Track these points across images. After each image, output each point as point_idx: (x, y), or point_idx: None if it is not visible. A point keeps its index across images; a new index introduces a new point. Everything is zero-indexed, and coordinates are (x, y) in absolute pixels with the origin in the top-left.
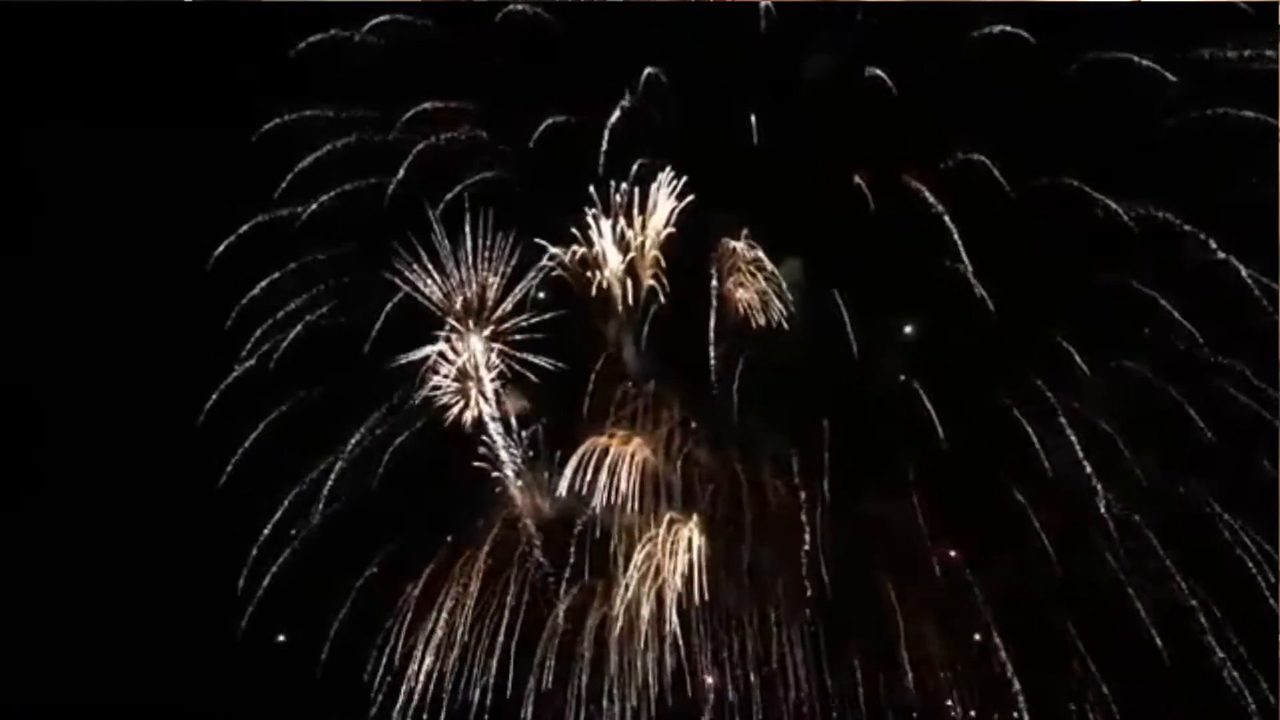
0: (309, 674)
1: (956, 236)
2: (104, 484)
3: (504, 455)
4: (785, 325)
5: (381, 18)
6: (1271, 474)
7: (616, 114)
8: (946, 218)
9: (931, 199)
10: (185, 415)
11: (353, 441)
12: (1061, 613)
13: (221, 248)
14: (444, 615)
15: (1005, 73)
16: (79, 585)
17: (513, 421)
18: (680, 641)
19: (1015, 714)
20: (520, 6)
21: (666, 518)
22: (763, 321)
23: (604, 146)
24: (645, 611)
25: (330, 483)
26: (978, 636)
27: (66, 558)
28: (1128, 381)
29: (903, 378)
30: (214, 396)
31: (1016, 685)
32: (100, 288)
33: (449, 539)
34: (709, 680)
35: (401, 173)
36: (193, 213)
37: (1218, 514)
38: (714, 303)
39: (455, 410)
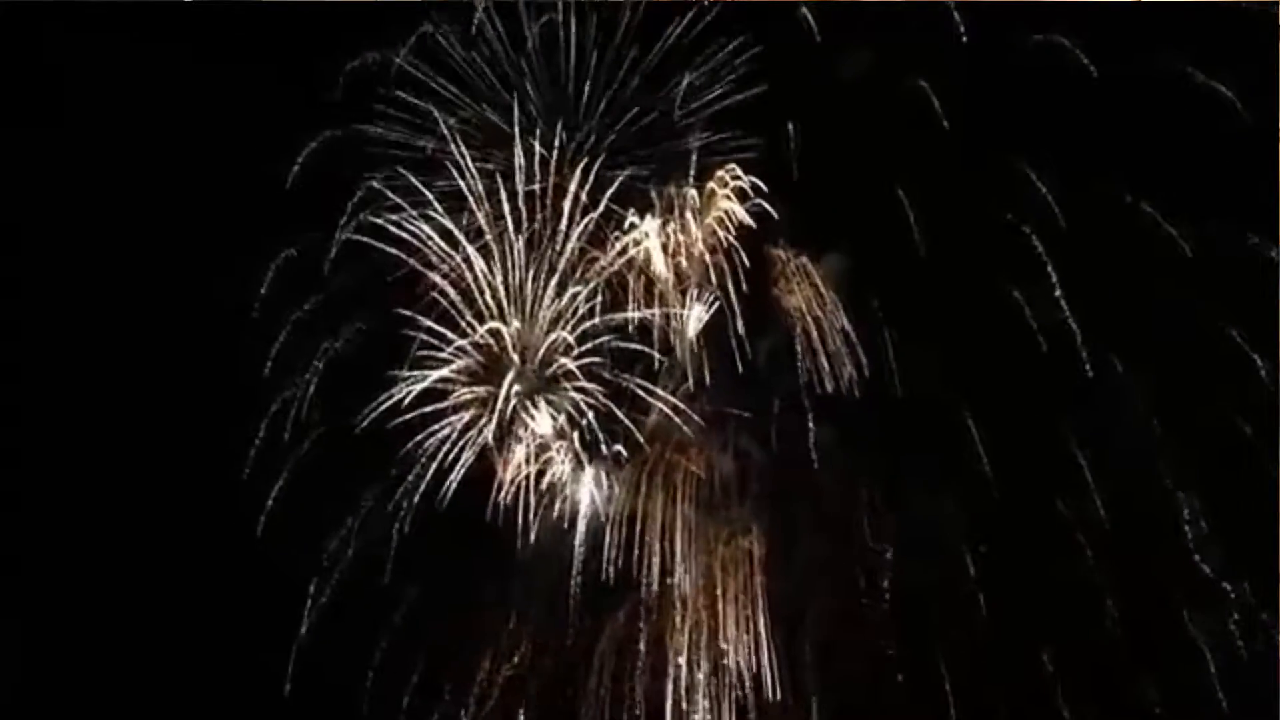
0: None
1: (1036, 243)
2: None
3: (556, 463)
4: (856, 393)
5: (424, 28)
6: None
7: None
8: (1036, 238)
9: (1010, 214)
10: (228, 449)
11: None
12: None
13: (268, 278)
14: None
15: (1053, 81)
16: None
17: (564, 427)
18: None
19: None
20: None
21: (725, 532)
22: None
23: (693, 159)
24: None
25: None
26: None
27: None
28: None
29: (943, 392)
30: (262, 422)
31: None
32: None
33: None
34: None
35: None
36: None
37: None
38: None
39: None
